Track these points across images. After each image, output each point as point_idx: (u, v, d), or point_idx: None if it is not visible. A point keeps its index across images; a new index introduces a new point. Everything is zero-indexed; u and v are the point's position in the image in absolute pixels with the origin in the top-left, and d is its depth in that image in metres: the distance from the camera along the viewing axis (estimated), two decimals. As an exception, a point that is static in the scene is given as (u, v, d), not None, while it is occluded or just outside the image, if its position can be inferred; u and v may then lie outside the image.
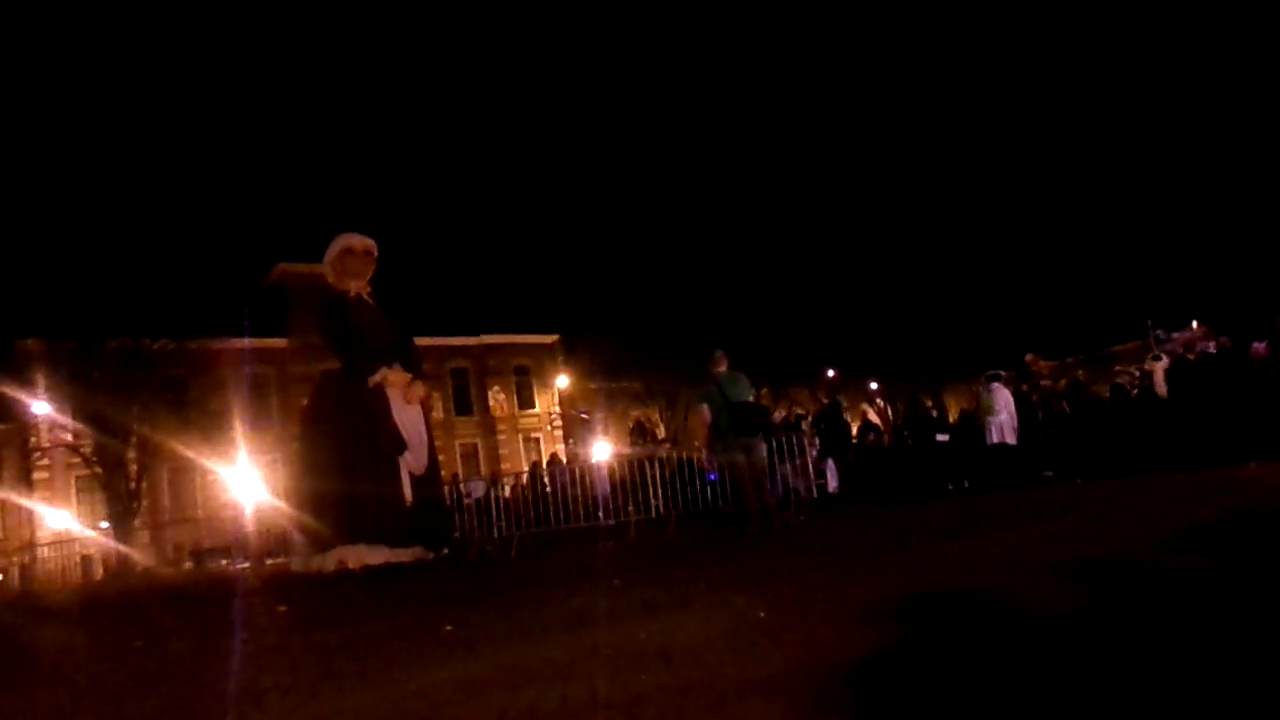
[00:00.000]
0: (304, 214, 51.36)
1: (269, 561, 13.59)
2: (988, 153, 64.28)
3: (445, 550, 6.97)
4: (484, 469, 37.34)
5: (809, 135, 66.54)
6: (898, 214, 62.87)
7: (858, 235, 63.08)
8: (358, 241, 7.16)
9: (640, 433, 20.36)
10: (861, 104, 69.26)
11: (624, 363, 39.71)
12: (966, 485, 11.45)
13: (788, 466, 10.92)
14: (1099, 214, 60.93)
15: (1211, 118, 56.51)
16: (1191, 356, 11.27)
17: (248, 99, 59.51)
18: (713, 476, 10.42)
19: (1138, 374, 14.45)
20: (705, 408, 8.23)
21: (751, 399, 8.55)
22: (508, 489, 13.46)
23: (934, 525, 6.17)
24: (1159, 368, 12.54)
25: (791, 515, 9.57)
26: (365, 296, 7.02)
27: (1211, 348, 11.56)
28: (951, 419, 14.99)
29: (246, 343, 32.88)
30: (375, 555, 6.19)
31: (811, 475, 11.46)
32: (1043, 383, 12.30)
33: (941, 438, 12.53)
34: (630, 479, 11.27)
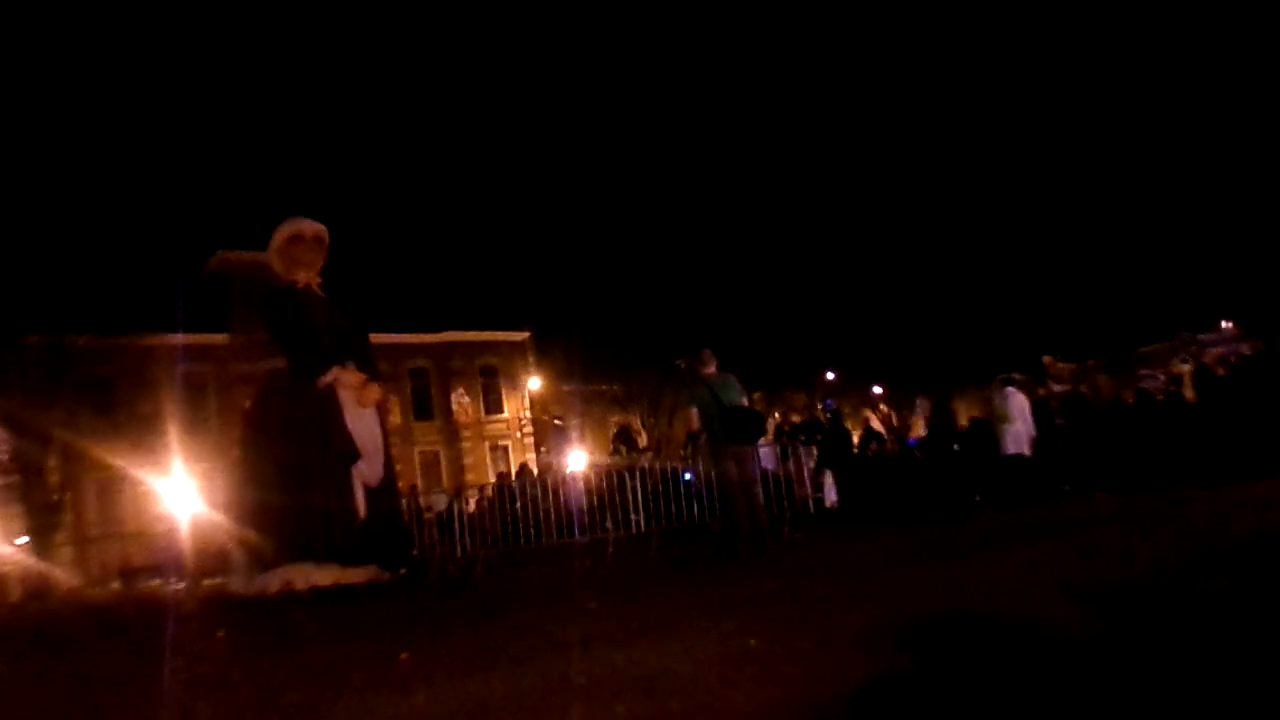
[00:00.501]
0: (247, 197, 50.96)
1: (206, 582, 13.52)
2: (1002, 140, 64.80)
3: (402, 570, 6.93)
4: (446, 480, 37.24)
5: (805, 120, 66.89)
6: (903, 204, 63.21)
7: (859, 226, 63.58)
8: (307, 227, 7.11)
9: (625, 440, 20.34)
10: (870, 92, 69.66)
11: (602, 363, 39.74)
12: (978, 500, 11.48)
13: (780, 471, 11.09)
14: (1121, 205, 61.34)
15: (1243, 106, 57.23)
16: (1222, 372, 11.40)
17: (185, 72, 59.07)
18: (688, 476, 10.59)
19: (1164, 378, 14.62)
20: (694, 411, 8.29)
21: (745, 403, 8.60)
22: (472, 502, 13.42)
23: (942, 543, 6.21)
24: (1187, 371, 12.69)
25: (786, 532, 9.62)
26: (315, 288, 6.97)
27: (1244, 350, 11.70)
28: (962, 426, 15.09)
29: (182, 338, 32.55)
30: (324, 575, 6.14)
31: (809, 488, 11.58)
32: (1055, 387, 12.42)
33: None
34: (609, 492, 11.36)
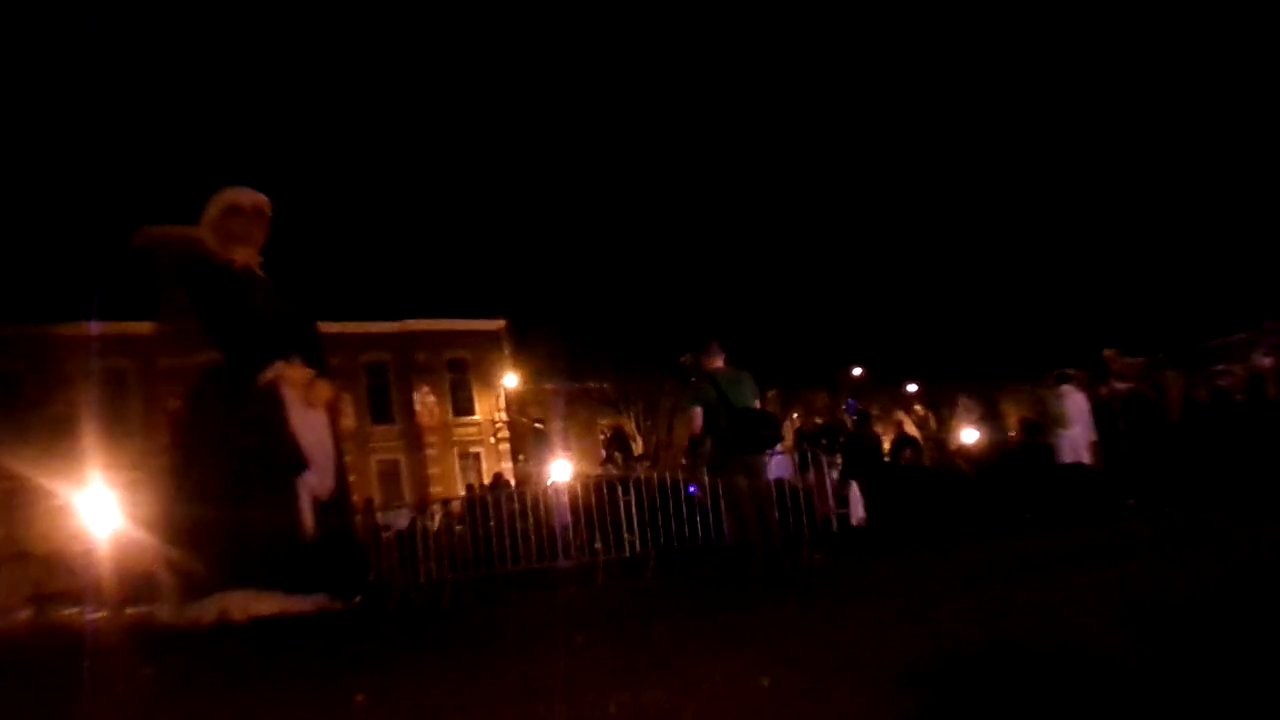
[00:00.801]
0: (175, 164, 50.85)
1: (129, 610, 13.50)
2: (1056, 109, 64.89)
3: (357, 598, 6.95)
4: (408, 493, 37.12)
5: (830, 93, 66.82)
6: (940, 174, 63.27)
7: (888, 199, 63.49)
8: (246, 197, 7.12)
9: (618, 446, 20.32)
10: (916, 62, 69.54)
11: (591, 357, 39.60)
12: (1028, 517, 11.52)
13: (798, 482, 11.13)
14: (1195, 175, 61.36)
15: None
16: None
17: (113, 30, 58.78)
18: (691, 489, 10.65)
19: (1244, 374, 14.63)
20: (698, 412, 8.27)
21: (758, 404, 8.63)
22: (438, 519, 13.40)
23: (986, 567, 6.23)
24: (1270, 366, 12.73)
25: (805, 554, 9.65)
26: (255, 268, 6.98)
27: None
28: (1011, 431, 15.14)
29: (99, 327, 32.50)
30: (266, 604, 6.16)
31: (831, 502, 11.69)
32: (1119, 385, 12.40)
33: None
34: (598, 507, 11.30)
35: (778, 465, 11.57)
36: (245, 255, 7.00)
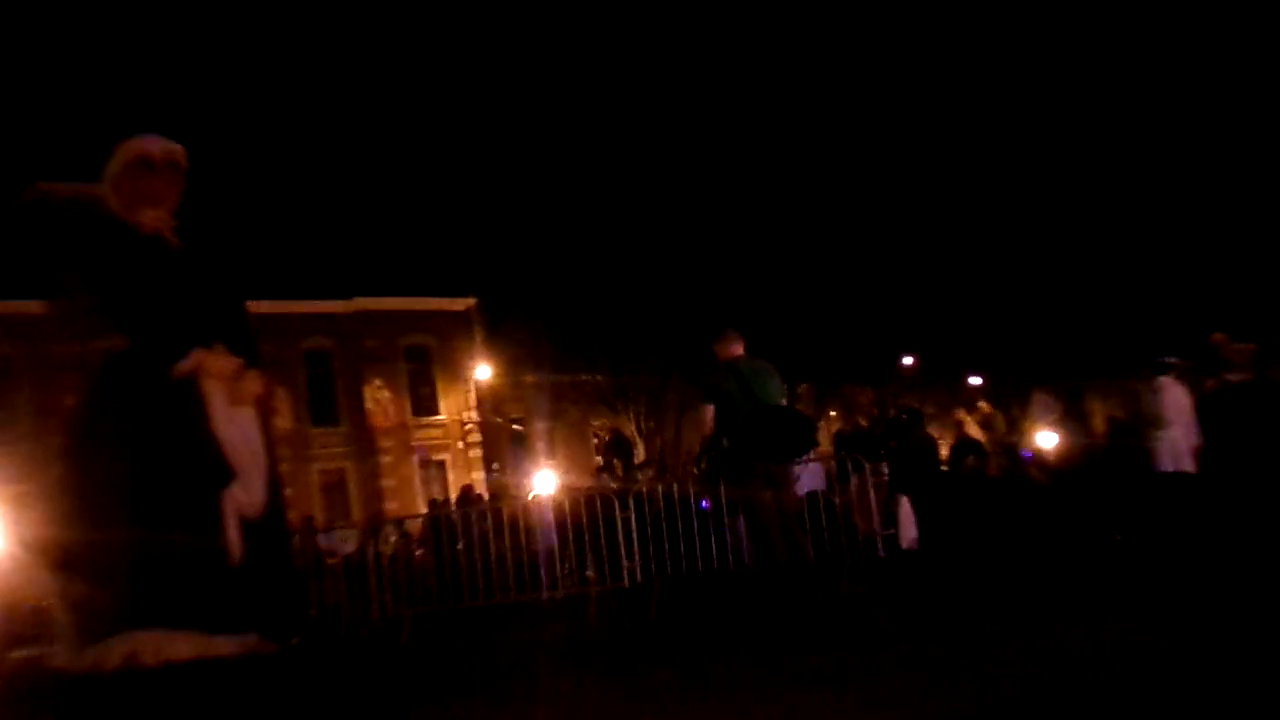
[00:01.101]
0: (75, 110, 50.73)
1: (16, 653, 13.51)
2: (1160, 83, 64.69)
3: (294, 639, 6.90)
4: (357, 510, 37.24)
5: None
6: (1008, 137, 62.85)
7: (942, 163, 63.19)
8: (158, 148, 6.99)
9: (617, 452, 20.24)
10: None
11: (582, 344, 39.40)
12: (1118, 538, 11.54)
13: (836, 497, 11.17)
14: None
15: None
16: None
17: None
18: (705, 505, 10.71)
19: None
20: (710, 410, 8.32)
21: (785, 402, 8.73)
22: (394, 541, 13.36)
23: (1065, 603, 6.23)
24: None
25: (844, 585, 9.65)
26: (168, 234, 6.92)
27: None
28: (1097, 433, 15.07)
29: (-23, 307, 32.56)
30: (183, 645, 6.05)
31: (876, 520, 11.54)
32: (1229, 377, 12.33)
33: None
34: (590, 526, 11.27)
35: (810, 476, 11.54)
36: (156, 218, 6.90)
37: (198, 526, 6.36)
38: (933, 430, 16.71)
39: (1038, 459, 16.67)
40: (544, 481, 27.63)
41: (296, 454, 37.27)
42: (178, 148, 7.26)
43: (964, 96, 69.21)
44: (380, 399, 41.95)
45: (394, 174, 66.90)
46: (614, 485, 13.44)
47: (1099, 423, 16.10)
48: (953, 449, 15.26)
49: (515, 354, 41.74)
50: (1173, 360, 12.87)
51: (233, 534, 6.40)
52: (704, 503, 10.75)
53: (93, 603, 6.29)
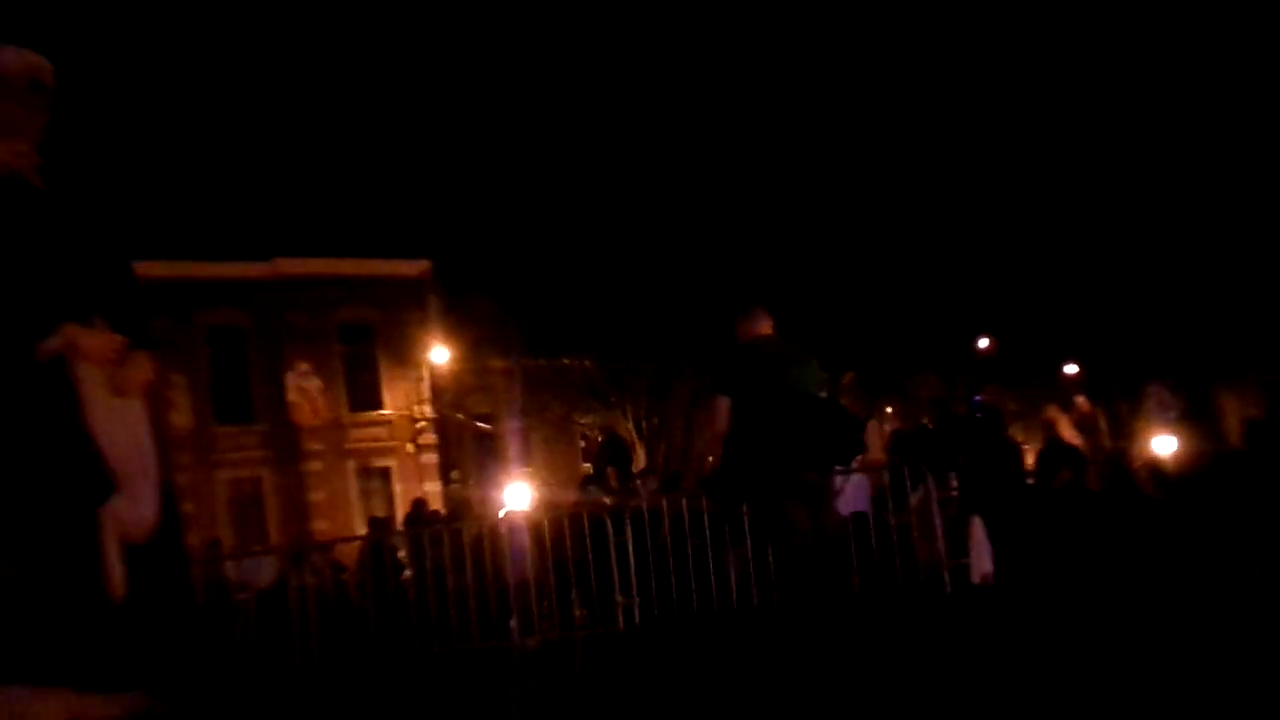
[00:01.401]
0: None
1: None
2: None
3: (191, 697, 5.74)
4: (276, 531, 35.57)
5: None
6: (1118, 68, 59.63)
7: (1026, 105, 59.41)
8: (15, 62, 6.03)
9: (612, 457, 18.58)
10: None
11: (566, 322, 36.93)
12: (1256, 573, 10.54)
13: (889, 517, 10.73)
14: None
15: None
16: None
17: None
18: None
19: None
20: (724, 405, 7.68)
21: (825, 394, 8.12)
22: (325, 572, 12.85)
23: (1186, 656, 5.78)
24: None
25: (899, 629, 9.11)
26: (29, 174, 5.88)
27: None
28: (1229, 438, 13.81)
29: None
30: (51, 707, 4.99)
31: (941, 547, 10.82)
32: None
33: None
34: (577, 553, 10.74)
35: (856, 490, 11.13)
36: (13, 152, 5.87)
37: (68, 553, 5.18)
38: (1016, 433, 16.38)
39: (1150, 468, 15.15)
40: (517, 495, 26.62)
41: (198, 459, 34.62)
42: (43, 63, 6.42)
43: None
44: (307, 389, 38.06)
45: (325, 102, 62.28)
46: (607, 500, 12.48)
47: (1233, 425, 14.85)
48: (1040, 456, 13.79)
49: (481, 333, 38.10)
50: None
51: (114, 562, 5.25)
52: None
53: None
